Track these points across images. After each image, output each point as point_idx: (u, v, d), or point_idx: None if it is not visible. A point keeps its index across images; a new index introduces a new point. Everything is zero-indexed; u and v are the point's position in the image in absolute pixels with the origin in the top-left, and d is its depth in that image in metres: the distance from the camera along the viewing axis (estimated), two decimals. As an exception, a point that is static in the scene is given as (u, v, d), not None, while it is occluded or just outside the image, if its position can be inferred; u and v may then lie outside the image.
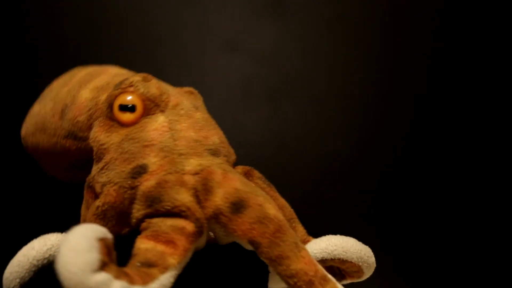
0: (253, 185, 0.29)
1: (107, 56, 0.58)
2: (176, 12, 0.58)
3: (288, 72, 0.58)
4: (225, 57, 0.58)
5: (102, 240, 0.21)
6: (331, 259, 0.29)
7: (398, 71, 0.58)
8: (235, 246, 0.27)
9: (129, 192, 0.27)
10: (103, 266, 0.20)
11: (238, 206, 0.26)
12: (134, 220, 0.27)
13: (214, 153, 0.30)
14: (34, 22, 0.58)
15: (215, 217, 0.26)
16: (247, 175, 0.31)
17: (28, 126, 0.37)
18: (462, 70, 0.57)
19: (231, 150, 0.33)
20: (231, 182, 0.27)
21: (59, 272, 0.20)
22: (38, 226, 0.32)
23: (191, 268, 0.25)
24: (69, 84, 0.35)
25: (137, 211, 0.26)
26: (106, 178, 0.28)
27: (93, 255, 0.20)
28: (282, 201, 0.32)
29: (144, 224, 0.26)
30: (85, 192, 0.30)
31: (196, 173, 0.27)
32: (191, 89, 0.37)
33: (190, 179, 0.27)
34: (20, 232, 0.33)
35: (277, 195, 0.32)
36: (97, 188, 0.28)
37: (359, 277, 0.31)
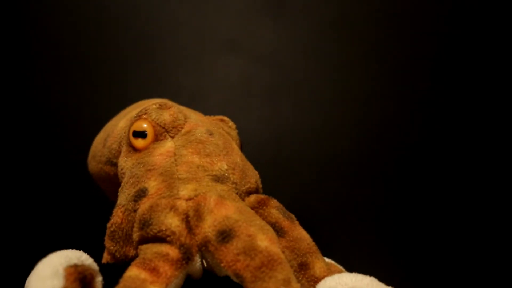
0: (253, 213, 0.27)
1: (107, 56, 0.58)
2: (176, 12, 0.58)
3: (288, 72, 0.58)
4: (225, 57, 0.58)
5: (73, 267, 0.21)
6: None
7: (398, 71, 0.58)
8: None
9: (132, 214, 0.28)
10: None
11: (225, 235, 0.24)
12: (134, 244, 0.27)
13: (218, 179, 0.29)
14: (34, 22, 0.58)
15: (204, 245, 0.25)
16: (261, 204, 0.30)
17: (89, 154, 0.40)
18: (463, 70, 0.57)
19: (249, 178, 0.31)
20: (223, 210, 0.25)
21: None
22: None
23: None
24: (121, 115, 0.38)
25: (134, 233, 0.27)
26: (118, 200, 0.29)
27: (55, 282, 0.20)
28: (301, 233, 0.29)
29: (138, 250, 0.26)
30: None
31: (189, 199, 0.27)
32: (222, 117, 0.37)
33: (182, 204, 0.26)
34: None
35: (295, 226, 0.29)
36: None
37: None
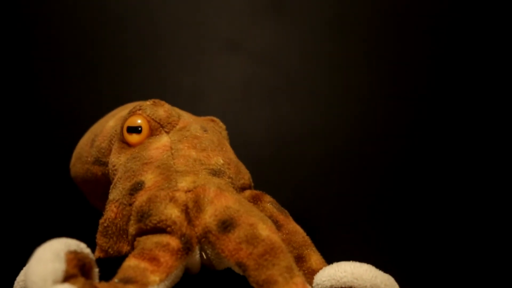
0: (251, 204, 0.27)
1: (107, 56, 0.58)
2: (176, 12, 0.58)
3: (288, 72, 0.58)
4: (225, 57, 0.58)
5: (73, 253, 0.21)
6: (341, 287, 0.25)
7: (398, 71, 0.58)
8: (232, 272, 0.26)
9: (127, 208, 0.27)
10: (68, 278, 0.20)
11: (226, 224, 0.24)
12: (130, 237, 0.26)
13: (215, 173, 0.29)
14: (34, 22, 0.58)
15: (205, 235, 0.25)
16: (255, 199, 0.30)
17: (72, 158, 0.39)
18: (462, 70, 0.57)
19: (243, 174, 0.32)
20: (223, 200, 0.25)
21: (25, 281, 0.20)
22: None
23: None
24: (107, 117, 0.37)
25: (131, 226, 0.26)
26: (111, 196, 0.29)
27: (57, 266, 0.20)
28: (295, 227, 0.29)
29: (135, 243, 0.25)
30: None
31: (188, 190, 0.27)
32: (212, 117, 0.37)
33: (181, 196, 0.26)
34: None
35: (289, 220, 0.30)
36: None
37: None
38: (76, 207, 0.51)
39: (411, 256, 0.55)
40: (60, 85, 0.58)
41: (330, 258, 0.30)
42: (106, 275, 0.23)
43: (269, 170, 0.56)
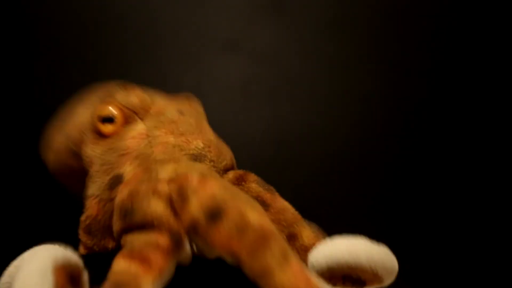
0: (237, 189, 0.26)
1: (107, 56, 0.58)
2: (176, 12, 0.58)
3: (288, 72, 0.58)
4: (225, 57, 0.58)
5: (60, 268, 0.21)
6: (339, 267, 0.24)
7: (398, 71, 0.58)
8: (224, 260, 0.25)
9: (108, 204, 0.26)
10: None
11: (214, 214, 0.23)
12: (115, 235, 0.25)
13: (196, 158, 0.28)
14: (34, 22, 0.57)
15: (193, 228, 0.23)
16: (239, 179, 0.29)
17: (44, 147, 0.37)
18: (461, 71, 0.57)
19: (224, 155, 0.31)
20: (208, 188, 0.24)
21: None
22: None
23: (177, 286, 0.24)
24: (74, 102, 0.36)
25: (115, 223, 0.25)
26: (90, 191, 0.28)
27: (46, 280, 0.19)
28: (283, 203, 0.29)
29: (122, 241, 0.24)
30: None
31: (170, 180, 0.25)
32: (186, 94, 0.36)
33: (163, 187, 0.25)
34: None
35: (276, 197, 0.29)
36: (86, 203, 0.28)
37: (380, 283, 0.26)
38: (62, 200, 0.50)
39: (412, 256, 0.55)
40: (60, 85, 0.58)
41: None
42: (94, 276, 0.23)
43: (269, 170, 0.56)
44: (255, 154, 0.56)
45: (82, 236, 0.27)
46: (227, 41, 0.58)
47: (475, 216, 0.55)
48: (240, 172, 0.30)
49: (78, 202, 0.30)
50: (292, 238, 0.27)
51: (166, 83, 0.59)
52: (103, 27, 0.58)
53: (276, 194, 0.29)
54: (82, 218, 0.27)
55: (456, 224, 0.55)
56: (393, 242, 0.58)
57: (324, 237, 0.28)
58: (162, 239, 0.23)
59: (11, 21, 0.57)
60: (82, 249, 0.27)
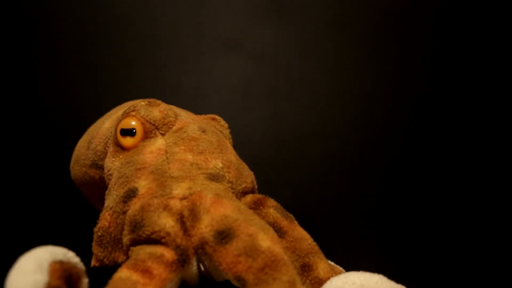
0: (252, 213, 0.25)
1: (106, 56, 0.58)
2: (176, 12, 0.58)
3: (288, 72, 0.58)
4: (225, 57, 0.58)
5: (58, 263, 0.20)
6: None
7: (398, 71, 0.58)
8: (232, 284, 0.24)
9: (121, 217, 0.26)
10: None
11: (224, 235, 0.22)
12: (124, 248, 0.25)
13: (214, 177, 0.27)
14: (34, 22, 0.57)
15: (201, 247, 0.23)
16: (257, 204, 0.28)
17: (71, 160, 0.38)
18: (461, 71, 0.57)
19: (244, 177, 0.30)
20: (221, 209, 0.24)
21: None
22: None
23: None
24: (104, 118, 0.36)
25: (124, 236, 0.25)
26: (106, 203, 0.28)
27: (39, 277, 0.19)
28: (301, 232, 0.27)
29: (129, 253, 0.24)
30: None
31: (184, 198, 0.25)
32: (214, 116, 0.36)
33: (176, 204, 0.25)
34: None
35: (295, 226, 0.28)
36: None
37: None
38: (77, 209, 0.51)
39: (412, 256, 0.55)
40: (60, 85, 0.58)
41: (330, 258, 0.30)
42: (101, 284, 0.23)
43: (269, 170, 0.56)
44: (255, 154, 0.56)
45: (94, 247, 0.27)
46: (227, 41, 0.58)
47: (475, 216, 0.55)
48: (259, 196, 0.29)
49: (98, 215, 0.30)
50: (306, 269, 0.26)
51: (166, 83, 0.59)
52: (103, 27, 0.58)
53: (295, 222, 0.28)
54: (95, 229, 0.27)
55: (456, 224, 0.55)
56: (393, 242, 0.58)
57: (340, 272, 0.26)
58: (168, 253, 0.23)
59: (11, 21, 0.57)
60: (93, 261, 0.27)
